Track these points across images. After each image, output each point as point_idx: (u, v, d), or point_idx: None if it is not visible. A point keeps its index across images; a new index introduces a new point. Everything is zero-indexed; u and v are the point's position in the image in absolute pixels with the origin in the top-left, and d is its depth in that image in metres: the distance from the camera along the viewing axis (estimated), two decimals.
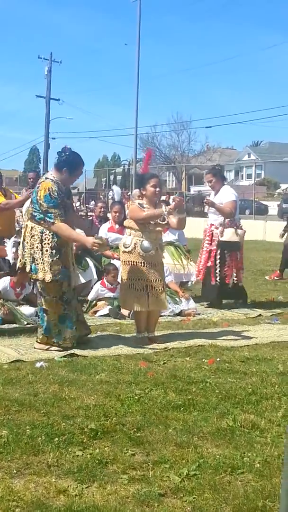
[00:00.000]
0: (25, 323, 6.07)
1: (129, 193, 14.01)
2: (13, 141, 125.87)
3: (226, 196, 7.27)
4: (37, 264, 5.04)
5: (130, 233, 5.49)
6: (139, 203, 5.47)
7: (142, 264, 5.40)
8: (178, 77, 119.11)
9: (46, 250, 5.01)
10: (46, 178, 5.18)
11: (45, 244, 5.02)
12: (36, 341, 5.17)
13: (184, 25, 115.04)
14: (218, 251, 7.18)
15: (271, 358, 4.94)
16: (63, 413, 3.51)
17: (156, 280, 5.46)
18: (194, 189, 46.47)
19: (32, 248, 5.05)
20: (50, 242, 5.02)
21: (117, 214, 7.59)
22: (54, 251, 5.02)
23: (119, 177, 50.11)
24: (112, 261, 7.31)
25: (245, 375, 4.40)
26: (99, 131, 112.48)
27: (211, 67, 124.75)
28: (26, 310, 6.30)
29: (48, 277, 5.00)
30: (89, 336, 5.48)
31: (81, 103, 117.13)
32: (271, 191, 42.26)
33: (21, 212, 8.12)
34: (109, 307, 6.67)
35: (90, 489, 2.64)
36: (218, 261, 7.18)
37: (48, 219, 5.00)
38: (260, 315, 7.05)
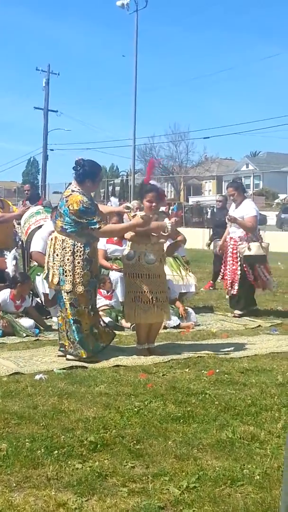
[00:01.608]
0: (24, 335, 6.09)
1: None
2: (11, 152, 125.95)
3: (248, 211, 7.67)
4: (66, 276, 5.08)
5: (133, 245, 5.50)
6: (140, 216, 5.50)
7: (147, 276, 5.38)
8: (175, 88, 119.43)
9: (78, 263, 5.08)
10: (72, 191, 5.18)
11: (77, 256, 5.08)
12: (68, 355, 5.16)
13: (181, 36, 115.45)
14: (244, 265, 7.53)
15: (270, 369, 4.93)
16: (62, 425, 3.50)
17: (161, 292, 5.47)
18: (192, 200, 46.52)
19: (62, 260, 5.10)
20: (82, 254, 5.10)
21: None
22: (85, 262, 5.10)
23: (117, 188, 50.14)
24: (110, 272, 7.31)
25: (245, 386, 4.40)
26: (97, 142, 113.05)
27: (209, 77, 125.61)
28: (26, 322, 6.32)
29: (81, 289, 5.06)
30: None
31: (79, 115, 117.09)
32: (269, 201, 42.31)
33: (19, 224, 8.13)
34: (108, 319, 6.66)
35: (89, 502, 2.64)
36: (240, 275, 7.57)
37: (93, 227, 5.09)
38: (259, 325, 7.06)
